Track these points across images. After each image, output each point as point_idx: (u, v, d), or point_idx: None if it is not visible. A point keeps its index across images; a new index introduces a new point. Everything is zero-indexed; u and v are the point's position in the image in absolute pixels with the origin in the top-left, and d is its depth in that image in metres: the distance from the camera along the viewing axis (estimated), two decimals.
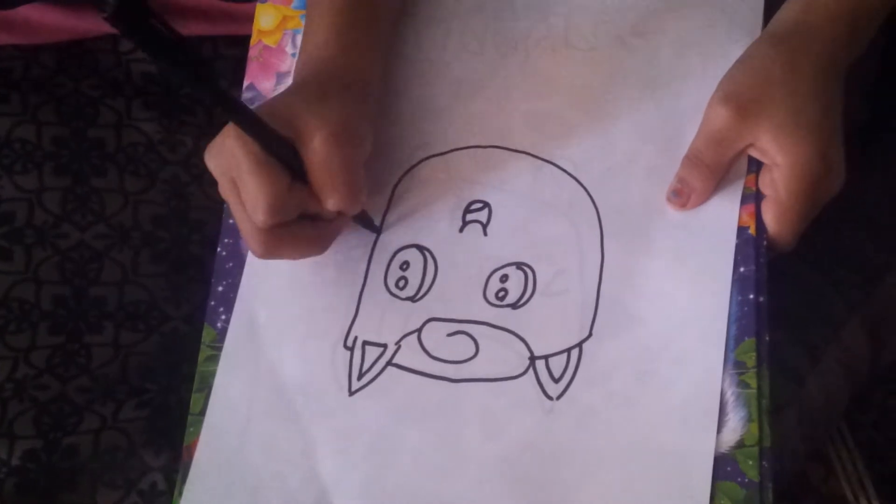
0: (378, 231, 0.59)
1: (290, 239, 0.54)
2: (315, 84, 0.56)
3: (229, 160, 0.51)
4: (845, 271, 0.63)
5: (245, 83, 0.66)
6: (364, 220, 0.59)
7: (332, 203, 0.53)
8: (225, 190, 0.53)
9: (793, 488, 0.68)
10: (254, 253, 0.54)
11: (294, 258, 0.58)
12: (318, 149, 0.52)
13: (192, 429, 0.58)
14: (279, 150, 0.51)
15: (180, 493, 0.56)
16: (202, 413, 0.58)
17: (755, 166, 0.55)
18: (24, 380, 0.64)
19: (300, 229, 0.54)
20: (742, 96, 0.53)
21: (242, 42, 0.68)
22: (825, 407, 0.62)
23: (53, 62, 0.72)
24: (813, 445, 0.65)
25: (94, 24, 0.72)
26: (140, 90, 0.74)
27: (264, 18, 0.66)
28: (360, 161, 0.55)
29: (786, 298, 0.63)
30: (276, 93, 0.64)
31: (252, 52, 0.66)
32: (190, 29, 0.74)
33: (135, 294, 0.69)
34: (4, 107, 0.69)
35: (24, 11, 0.69)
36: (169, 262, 0.71)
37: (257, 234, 0.52)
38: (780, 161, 0.52)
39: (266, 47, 0.66)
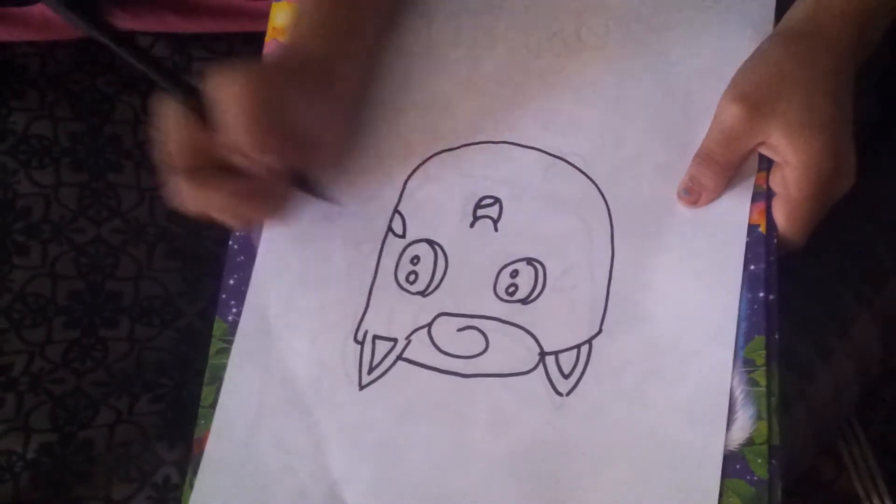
0: (338, 202, 0.59)
1: (207, 188, 0.53)
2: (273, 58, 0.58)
3: (162, 119, 0.54)
4: (855, 268, 0.63)
5: None
6: (307, 185, 0.58)
7: (227, 134, 0.52)
8: None
9: (803, 485, 0.68)
10: (177, 204, 0.54)
11: (221, 214, 0.56)
12: (222, 82, 0.52)
13: (202, 421, 0.58)
14: (177, 85, 0.53)
15: (191, 486, 0.57)
16: (213, 406, 0.58)
17: (766, 164, 0.55)
18: (39, 373, 0.65)
19: (221, 180, 0.54)
20: (754, 94, 0.53)
21: (258, 39, 0.68)
22: (835, 403, 0.62)
23: (69, 58, 0.72)
24: (822, 441, 0.65)
25: (110, 21, 0.72)
26: (156, 86, 0.74)
27: (279, 16, 0.67)
28: (274, 107, 0.53)
29: (795, 295, 0.63)
30: None
31: (267, 50, 0.66)
32: (205, 26, 0.74)
33: (150, 289, 0.69)
34: (21, 103, 0.70)
35: (40, 8, 0.70)
36: (184, 257, 0.71)
37: (175, 180, 0.53)
38: (792, 159, 0.52)
39: (281, 45, 0.66)
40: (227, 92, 0.52)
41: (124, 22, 0.72)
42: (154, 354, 0.68)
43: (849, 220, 0.65)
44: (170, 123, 0.52)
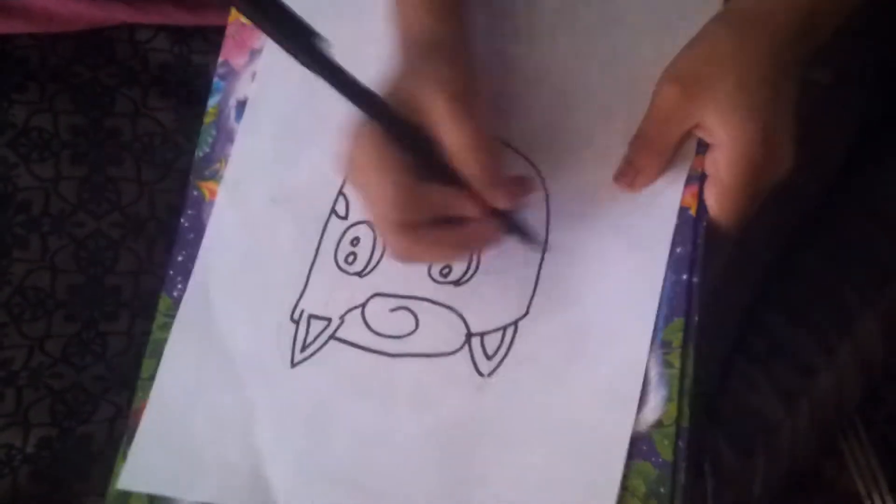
0: (544, 247, 0.56)
1: (427, 242, 0.50)
2: (418, 56, 0.53)
3: (357, 162, 0.50)
4: (858, 266, 0.63)
5: (220, 59, 0.66)
6: (518, 229, 0.54)
7: (475, 176, 0.49)
8: (356, 194, 0.51)
9: (805, 483, 0.68)
10: (391, 255, 0.52)
11: (436, 261, 0.56)
12: (448, 122, 0.49)
13: (140, 393, 0.59)
14: (407, 134, 0.49)
15: (124, 457, 0.58)
16: (151, 378, 0.59)
17: (704, 147, 0.54)
18: (39, 368, 0.65)
19: (440, 232, 0.51)
20: (689, 76, 0.52)
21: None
22: (838, 401, 0.62)
23: (70, 51, 0.72)
24: (825, 440, 0.65)
25: (111, 13, 0.72)
26: (156, 79, 0.74)
27: None
28: (488, 127, 0.51)
29: (798, 293, 0.63)
30: (249, 68, 0.65)
31: (229, 30, 0.67)
32: (206, 18, 0.74)
33: (150, 283, 0.69)
34: (21, 95, 0.69)
35: (41, 0, 0.70)
36: None
37: (392, 233, 0.50)
38: (723, 140, 0.51)
39: (242, 25, 0.66)
40: (464, 132, 0.49)
41: (124, 15, 0.72)
42: None
43: (851, 219, 0.65)
44: (383, 174, 0.48)
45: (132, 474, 0.57)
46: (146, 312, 0.68)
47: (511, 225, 0.53)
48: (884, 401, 0.71)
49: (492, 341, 0.55)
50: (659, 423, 0.50)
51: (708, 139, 0.53)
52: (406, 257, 0.52)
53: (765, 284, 0.64)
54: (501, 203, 0.51)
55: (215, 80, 0.66)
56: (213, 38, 0.76)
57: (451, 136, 0.49)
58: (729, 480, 0.58)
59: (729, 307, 0.62)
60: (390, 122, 0.48)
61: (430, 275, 0.57)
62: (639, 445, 0.50)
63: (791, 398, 0.60)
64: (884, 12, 0.63)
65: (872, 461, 0.68)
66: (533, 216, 0.56)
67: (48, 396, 0.64)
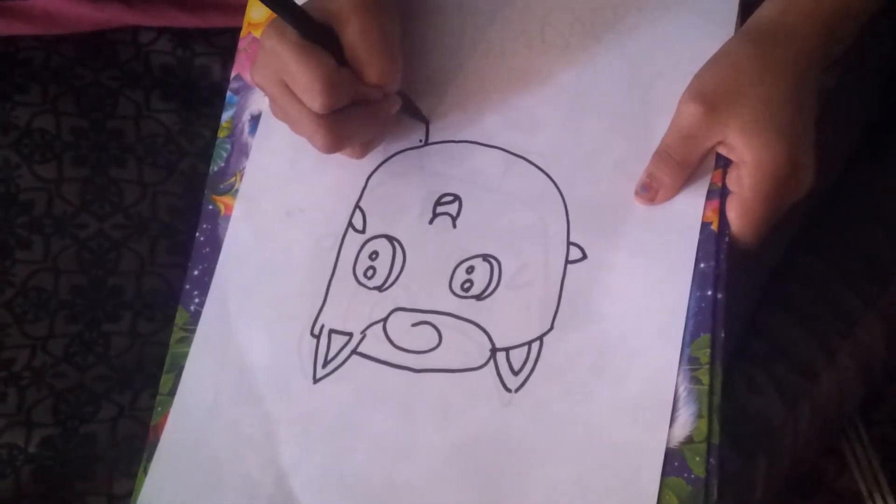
0: (426, 121, 0.61)
1: (348, 124, 0.55)
2: None
3: (274, 62, 0.53)
4: (860, 267, 0.63)
5: (233, 74, 0.66)
6: (411, 109, 0.60)
7: (372, 73, 0.54)
8: (277, 97, 0.55)
9: (806, 483, 0.68)
10: (319, 147, 0.55)
11: (355, 144, 0.58)
12: (352, 23, 0.53)
13: (160, 408, 0.59)
14: (319, 34, 0.53)
15: (145, 472, 0.57)
16: (171, 394, 0.59)
17: (722, 161, 0.55)
18: (42, 368, 0.65)
19: (356, 114, 0.55)
20: (713, 93, 0.52)
21: None
22: (839, 402, 0.62)
23: (73, 53, 0.72)
24: (826, 440, 0.65)
25: (113, 15, 0.72)
26: (159, 81, 0.74)
27: (255, 11, 0.67)
28: (393, 33, 0.56)
29: (800, 294, 0.63)
30: None
31: (241, 44, 0.66)
32: (209, 21, 0.74)
33: (152, 284, 0.69)
34: (24, 97, 0.69)
35: (43, 2, 0.70)
36: (186, 252, 0.71)
37: (318, 124, 0.53)
38: (747, 159, 0.52)
39: (255, 39, 0.66)
40: (359, 26, 0.53)
41: (126, 17, 0.72)
42: (156, 349, 0.68)
43: (853, 220, 0.65)
44: (310, 65, 0.52)
45: (153, 490, 0.57)
46: (148, 312, 0.68)
47: (405, 102, 0.59)
48: (885, 401, 0.71)
49: (517, 356, 0.55)
50: (689, 440, 0.50)
51: (731, 157, 0.53)
52: (332, 144, 0.54)
53: (766, 286, 0.65)
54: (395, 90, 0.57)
55: (228, 93, 0.66)
56: (215, 40, 0.76)
57: (354, 38, 0.54)
58: (731, 482, 0.58)
59: (730, 309, 0.62)
60: (303, 21, 0.52)
61: (451, 289, 0.57)
62: (670, 461, 0.50)
63: (793, 400, 0.60)
64: (884, 14, 0.63)
65: (874, 461, 0.68)
66: (552, 227, 0.57)
67: (51, 396, 0.65)
